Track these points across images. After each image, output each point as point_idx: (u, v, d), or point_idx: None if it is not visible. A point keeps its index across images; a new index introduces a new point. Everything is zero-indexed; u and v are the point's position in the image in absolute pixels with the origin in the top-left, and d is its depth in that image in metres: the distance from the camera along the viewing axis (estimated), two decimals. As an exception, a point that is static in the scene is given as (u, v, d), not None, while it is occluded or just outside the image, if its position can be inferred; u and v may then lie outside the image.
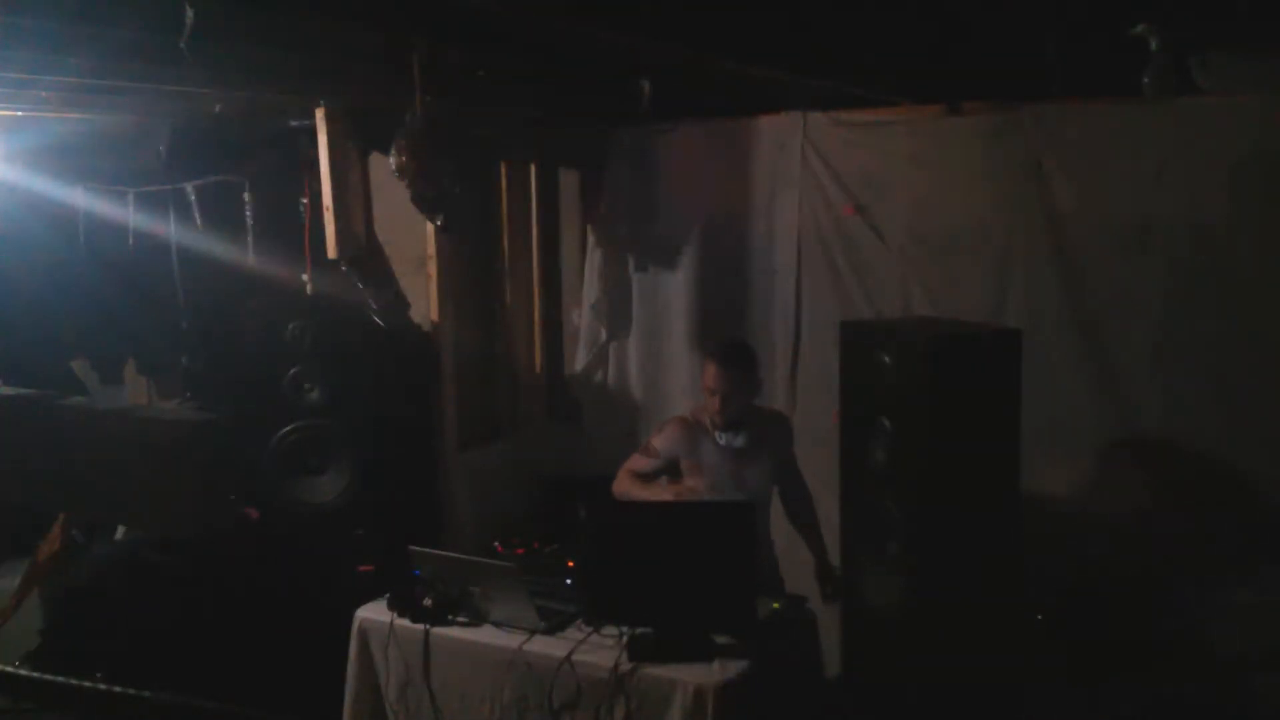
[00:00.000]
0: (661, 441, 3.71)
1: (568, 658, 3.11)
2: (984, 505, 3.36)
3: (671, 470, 3.69)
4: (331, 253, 4.29)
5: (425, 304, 4.45)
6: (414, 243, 4.42)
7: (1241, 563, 3.70)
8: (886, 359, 3.35)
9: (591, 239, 4.99)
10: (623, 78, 3.87)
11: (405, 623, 3.37)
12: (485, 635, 3.29)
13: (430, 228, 4.29)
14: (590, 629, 3.23)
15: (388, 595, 3.49)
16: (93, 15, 2.64)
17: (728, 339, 3.93)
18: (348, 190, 4.26)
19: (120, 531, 4.24)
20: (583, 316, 5.05)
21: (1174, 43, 3.60)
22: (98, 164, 4.40)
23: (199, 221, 4.51)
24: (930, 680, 3.33)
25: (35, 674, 1.42)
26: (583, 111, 4.68)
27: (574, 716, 3.10)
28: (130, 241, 4.47)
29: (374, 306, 4.30)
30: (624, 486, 3.70)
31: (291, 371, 4.08)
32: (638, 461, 3.75)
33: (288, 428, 4.05)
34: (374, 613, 3.48)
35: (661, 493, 3.64)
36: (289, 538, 4.15)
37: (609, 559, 3.27)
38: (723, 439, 3.60)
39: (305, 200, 4.48)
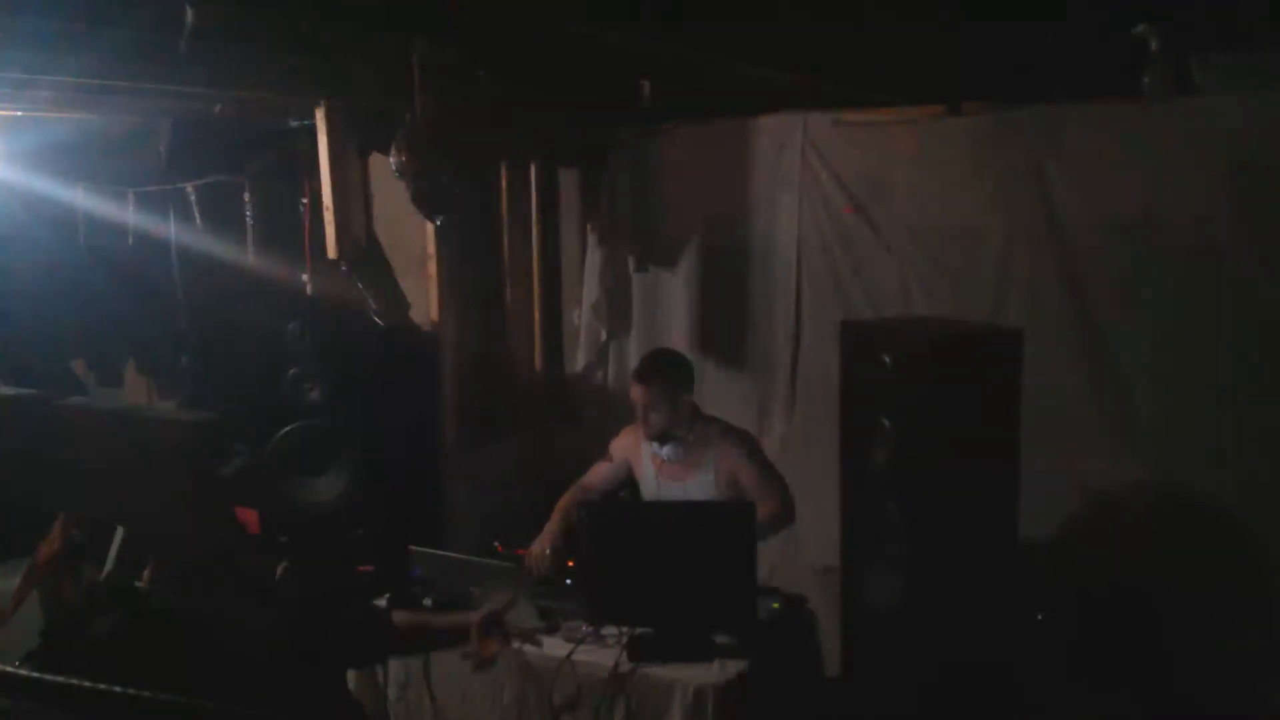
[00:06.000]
0: (617, 446, 3.84)
1: (568, 658, 3.11)
2: (984, 505, 3.36)
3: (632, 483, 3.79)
4: (331, 253, 4.28)
5: (425, 304, 4.45)
6: (414, 243, 4.42)
7: (1242, 562, 3.70)
8: (886, 359, 3.35)
9: (591, 239, 4.99)
10: (623, 78, 3.87)
11: (405, 623, 3.37)
12: (485, 635, 3.28)
13: (430, 228, 4.29)
14: (590, 628, 3.23)
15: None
16: (93, 15, 2.64)
17: (652, 352, 3.96)
18: (348, 190, 4.25)
19: (120, 533, 4.23)
20: (583, 316, 5.04)
21: (1174, 43, 3.60)
22: (98, 164, 4.39)
23: (199, 221, 4.50)
24: (930, 680, 3.33)
25: (35, 674, 1.41)
26: (583, 111, 4.67)
27: (574, 716, 3.10)
28: (130, 241, 4.46)
29: (374, 306, 4.29)
30: (562, 505, 3.77)
31: (291, 371, 4.07)
32: (594, 471, 3.87)
33: (288, 428, 4.05)
34: (374, 613, 3.47)
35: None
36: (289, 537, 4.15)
37: (609, 559, 3.27)
38: (656, 449, 3.66)
39: (305, 200, 4.47)
